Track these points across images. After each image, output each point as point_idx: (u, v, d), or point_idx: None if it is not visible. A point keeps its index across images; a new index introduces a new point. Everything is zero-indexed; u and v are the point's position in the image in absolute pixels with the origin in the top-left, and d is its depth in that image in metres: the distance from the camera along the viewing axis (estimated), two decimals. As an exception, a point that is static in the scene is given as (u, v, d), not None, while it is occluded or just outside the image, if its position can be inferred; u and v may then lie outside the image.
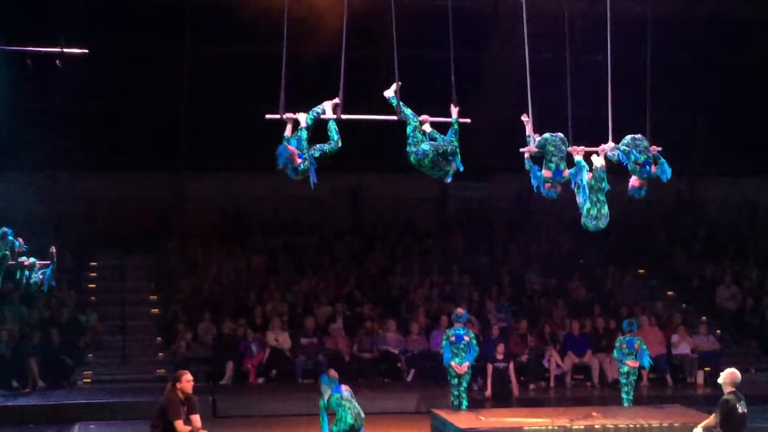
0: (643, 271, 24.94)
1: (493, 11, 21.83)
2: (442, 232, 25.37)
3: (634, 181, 12.19)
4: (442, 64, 11.51)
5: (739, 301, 23.58)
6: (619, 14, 13.08)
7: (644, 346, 17.25)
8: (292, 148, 10.75)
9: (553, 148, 11.84)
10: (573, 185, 11.90)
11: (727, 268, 24.53)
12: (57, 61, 13.31)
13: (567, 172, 11.88)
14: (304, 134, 10.86)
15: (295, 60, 11.44)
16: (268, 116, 10.97)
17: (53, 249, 14.49)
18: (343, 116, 11.09)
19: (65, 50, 13.03)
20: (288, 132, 10.90)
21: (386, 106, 11.27)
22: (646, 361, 17.25)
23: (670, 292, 24.36)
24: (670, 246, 25.55)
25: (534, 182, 11.84)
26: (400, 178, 24.00)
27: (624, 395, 16.97)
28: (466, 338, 16.76)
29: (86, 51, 13.21)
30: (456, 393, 16.64)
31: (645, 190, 12.23)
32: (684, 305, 23.81)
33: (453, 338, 16.75)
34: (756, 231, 26.06)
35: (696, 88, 24.16)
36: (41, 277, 14.22)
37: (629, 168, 12.10)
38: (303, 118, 10.92)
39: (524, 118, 11.96)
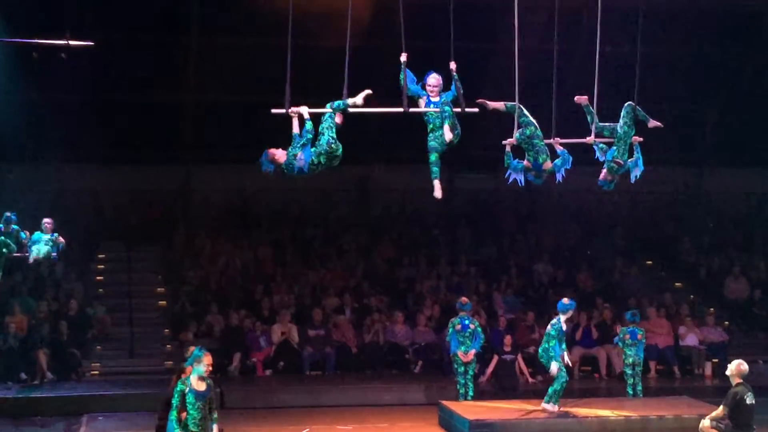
0: (650, 262, 24.90)
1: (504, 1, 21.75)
2: (449, 224, 25.32)
3: (605, 174, 12.19)
4: (450, 54, 11.46)
5: (747, 292, 23.54)
6: (618, 6, 13.03)
7: (643, 338, 17.24)
8: (275, 153, 10.85)
9: (527, 146, 11.84)
10: (559, 177, 11.91)
11: (735, 259, 24.49)
12: (62, 54, 13.27)
13: (549, 165, 11.87)
14: (309, 125, 10.87)
15: (303, 52, 11.39)
16: (274, 111, 10.97)
17: (61, 239, 14.52)
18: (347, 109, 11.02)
19: (71, 43, 12.97)
20: (296, 128, 10.92)
21: (394, 98, 11.21)
22: (641, 353, 17.19)
23: (677, 284, 24.29)
24: (677, 237, 25.47)
25: (513, 174, 11.84)
26: (407, 170, 23.92)
27: (629, 388, 16.95)
28: (471, 326, 16.81)
29: (92, 43, 13.17)
30: (462, 381, 16.68)
31: (614, 183, 12.26)
32: (692, 297, 23.72)
33: (458, 327, 16.77)
34: (764, 222, 25.96)
35: (704, 79, 24.06)
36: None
37: (606, 164, 12.09)
38: (305, 111, 10.89)
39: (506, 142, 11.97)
